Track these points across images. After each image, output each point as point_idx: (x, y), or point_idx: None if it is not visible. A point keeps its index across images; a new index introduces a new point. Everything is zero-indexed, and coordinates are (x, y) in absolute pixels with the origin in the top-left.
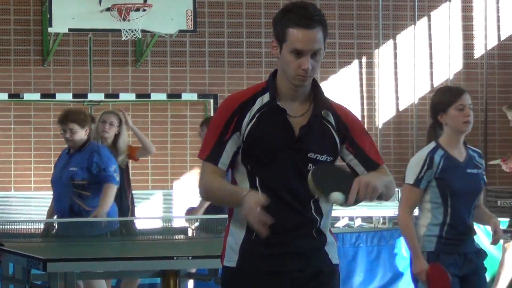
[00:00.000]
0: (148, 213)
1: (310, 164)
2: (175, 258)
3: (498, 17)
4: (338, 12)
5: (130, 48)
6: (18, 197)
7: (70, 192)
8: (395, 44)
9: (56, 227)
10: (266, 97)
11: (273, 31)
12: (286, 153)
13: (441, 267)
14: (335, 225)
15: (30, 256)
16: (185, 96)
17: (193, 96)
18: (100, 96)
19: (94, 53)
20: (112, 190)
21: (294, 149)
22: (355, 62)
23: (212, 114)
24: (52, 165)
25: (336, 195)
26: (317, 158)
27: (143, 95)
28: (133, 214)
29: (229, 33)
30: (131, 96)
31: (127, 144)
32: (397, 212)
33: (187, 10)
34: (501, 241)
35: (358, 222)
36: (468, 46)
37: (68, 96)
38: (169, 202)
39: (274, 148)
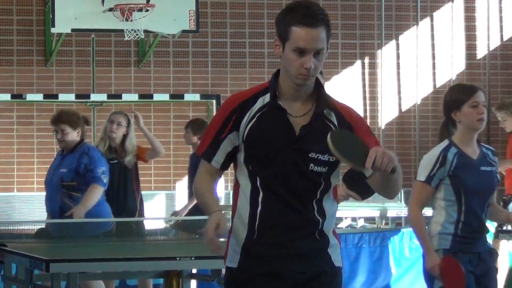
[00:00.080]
0: (151, 214)
1: (311, 164)
2: (178, 258)
3: (500, 17)
4: (340, 13)
5: (133, 49)
6: (21, 198)
7: (60, 193)
8: (397, 44)
9: (46, 227)
10: (267, 97)
11: (276, 30)
12: (287, 153)
13: (454, 260)
14: (338, 226)
15: (33, 257)
16: (188, 97)
17: (196, 97)
18: (102, 97)
19: (97, 54)
20: (96, 191)
21: (294, 149)
22: (358, 62)
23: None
24: None
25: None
26: (319, 158)
27: (145, 96)
28: (141, 215)
29: (231, 34)
30: (134, 97)
31: (135, 145)
32: (399, 213)
33: (189, 11)
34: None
35: (360, 223)
36: (470, 47)
37: (71, 97)
38: (172, 202)
39: (274, 148)
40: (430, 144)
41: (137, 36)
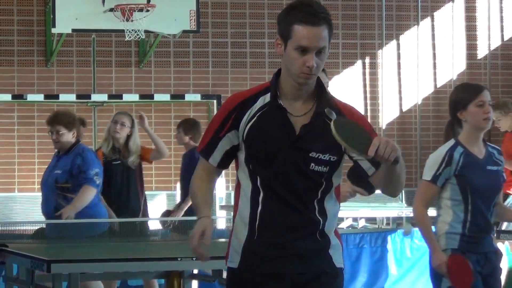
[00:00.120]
0: (152, 214)
1: (312, 164)
2: (179, 259)
3: (501, 17)
4: (341, 13)
5: (134, 49)
6: (22, 198)
7: (55, 195)
8: (398, 44)
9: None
10: (268, 97)
11: (278, 29)
12: (287, 153)
13: (461, 257)
14: (339, 226)
15: (34, 257)
16: (189, 97)
17: (197, 97)
18: (103, 97)
19: (98, 54)
20: (88, 192)
21: (294, 148)
22: (359, 62)
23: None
24: None
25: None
26: (319, 157)
27: (146, 96)
28: (145, 215)
29: (232, 34)
30: (135, 97)
31: (139, 145)
32: (400, 213)
33: (190, 11)
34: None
35: (362, 223)
36: (471, 47)
37: (72, 97)
38: (173, 203)
39: (274, 147)
40: (431, 144)
41: (137, 36)
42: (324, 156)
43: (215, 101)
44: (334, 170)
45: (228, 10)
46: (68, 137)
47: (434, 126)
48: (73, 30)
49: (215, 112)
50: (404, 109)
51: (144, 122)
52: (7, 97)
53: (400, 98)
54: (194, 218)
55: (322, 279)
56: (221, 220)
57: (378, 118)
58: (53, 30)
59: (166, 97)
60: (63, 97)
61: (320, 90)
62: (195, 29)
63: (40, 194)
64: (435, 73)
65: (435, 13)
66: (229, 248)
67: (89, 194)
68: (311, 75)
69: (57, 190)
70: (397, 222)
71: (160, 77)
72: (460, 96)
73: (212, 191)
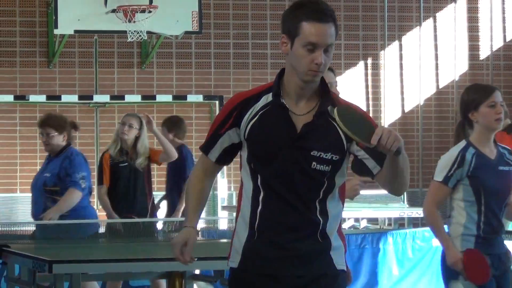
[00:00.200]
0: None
1: (314, 163)
2: None
3: (503, 18)
4: (343, 13)
5: (136, 50)
6: (24, 199)
7: (44, 197)
8: (400, 45)
9: (36, 229)
10: (271, 96)
11: (283, 27)
12: (288, 151)
13: (476, 250)
14: None
15: (35, 258)
16: (191, 98)
17: (199, 98)
18: (105, 98)
19: (100, 55)
20: (72, 196)
21: (296, 147)
22: (361, 63)
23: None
24: None
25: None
26: (321, 156)
27: (148, 97)
28: (153, 217)
29: (234, 35)
30: (137, 98)
31: (147, 147)
32: (402, 214)
33: (192, 12)
34: None
35: (363, 223)
36: (473, 47)
37: (74, 98)
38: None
39: (275, 145)
40: (433, 145)
41: (140, 37)
42: (326, 155)
43: (217, 102)
44: (337, 170)
45: (230, 11)
46: (59, 140)
47: (436, 127)
48: (75, 31)
49: (217, 113)
50: (406, 110)
51: (152, 125)
52: (9, 98)
53: (402, 99)
54: (200, 218)
55: (321, 281)
56: (223, 221)
57: (380, 119)
58: (55, 31)
59: (168, 98)
60: (65, 98)
61: (324, 89)
62: (197, 30)
63: None
64: (437, 74)
65: (437, 14)
66: (231, 248)
67: (74, 197)
68: (319, 72)
69: (46, 193)
70: (399, 223)
71: (162, 78)
72: (472, 97)
73: (208, 190)
